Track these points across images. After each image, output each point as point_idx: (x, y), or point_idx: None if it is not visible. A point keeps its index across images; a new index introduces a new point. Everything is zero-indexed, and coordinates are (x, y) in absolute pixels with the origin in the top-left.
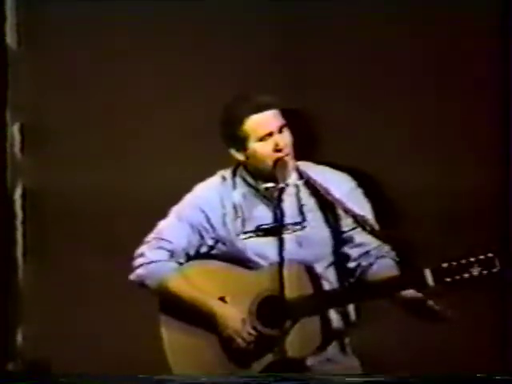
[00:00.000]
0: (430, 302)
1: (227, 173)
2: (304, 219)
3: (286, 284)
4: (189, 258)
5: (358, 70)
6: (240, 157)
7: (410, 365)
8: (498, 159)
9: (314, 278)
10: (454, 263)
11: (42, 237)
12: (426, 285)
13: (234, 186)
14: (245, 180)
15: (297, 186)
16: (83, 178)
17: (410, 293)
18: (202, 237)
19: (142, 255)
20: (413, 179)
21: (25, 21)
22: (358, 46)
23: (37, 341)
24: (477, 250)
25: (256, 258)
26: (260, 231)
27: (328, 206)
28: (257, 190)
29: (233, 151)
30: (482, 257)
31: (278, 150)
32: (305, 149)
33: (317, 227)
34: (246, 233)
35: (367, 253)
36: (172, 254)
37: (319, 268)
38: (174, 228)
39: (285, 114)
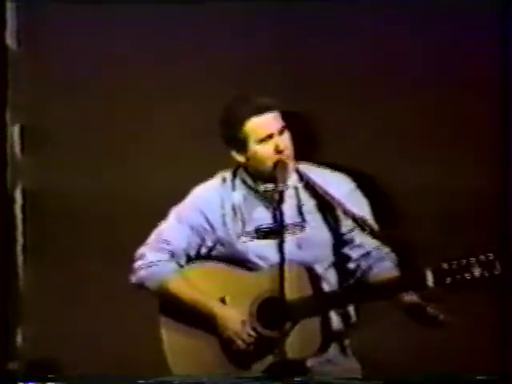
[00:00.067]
0: (430, 309)
1: (227, 174)
2: (304, 220)
3: (286, 285)
4: (189, 259)
5: (357, 70)
6: (240, 158)
7: (410, 366)
8: (498, 159)
9: (314, 279)
10: (455, 264)
11: (42, 237)
12: (426, 285)
13: (234, 188)
14: (245, 182)
15: (297, 188)
16: (83, 178)
17: (409, 298)
18: (202, 238)
19: (142, 256)
20: (413, 179)
21: (25, 22)
22: (358, 46)
23: (37, 341)
24: (477, 251)
25: (256, 260)
26: (260, 233)
27: (328, 207)
28: (257, 191)
29: (233, 153)
30: (482, 257)
31: (278, 152)
32: (305, 150)
33: (317, 228)
34: (246, 234)
35: (367, 254)
36: (172, 255)
37: (319, 269)
38: (174, 229)
39: (285, 115)
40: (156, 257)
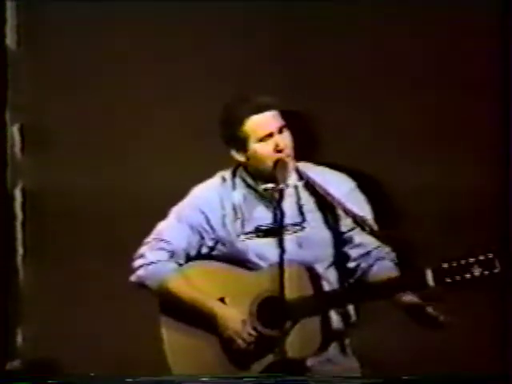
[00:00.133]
0: (429, 309)
1: (227, 174)
2: (304, 220)
3: (286, 285)
4: (189, 258)
5: (357, 69)
6: (240, 157)
7: (410, 366)
8: (498, 159)
9: (315, 278)
10: (455, 264)
11: (42, 237)
12: (426, 285)
13: (234, 187)
14: (245, 181)
15: (297, 187)
16: (83, 178)
17: (409, 298)
18: (202, 238)
19: (142, 256)
20: (413, 179)
21: (25, 21)
22: (358, 45)
23: (37, 341)
24: (477, 250)
25: (256, 259)
26: (260, 232)
27: (328, 206)
28: (257, 190)
29: (233, 152)
30: (482, 257)
31: (278, 151)
32: (304, 149)
33: (317, 228)
34: (246, 234)
35: (367, 253)
36: (172, 254)
37: (319, 269)
38: (173, 229)
39: (284, 114)
40: (156, 256)
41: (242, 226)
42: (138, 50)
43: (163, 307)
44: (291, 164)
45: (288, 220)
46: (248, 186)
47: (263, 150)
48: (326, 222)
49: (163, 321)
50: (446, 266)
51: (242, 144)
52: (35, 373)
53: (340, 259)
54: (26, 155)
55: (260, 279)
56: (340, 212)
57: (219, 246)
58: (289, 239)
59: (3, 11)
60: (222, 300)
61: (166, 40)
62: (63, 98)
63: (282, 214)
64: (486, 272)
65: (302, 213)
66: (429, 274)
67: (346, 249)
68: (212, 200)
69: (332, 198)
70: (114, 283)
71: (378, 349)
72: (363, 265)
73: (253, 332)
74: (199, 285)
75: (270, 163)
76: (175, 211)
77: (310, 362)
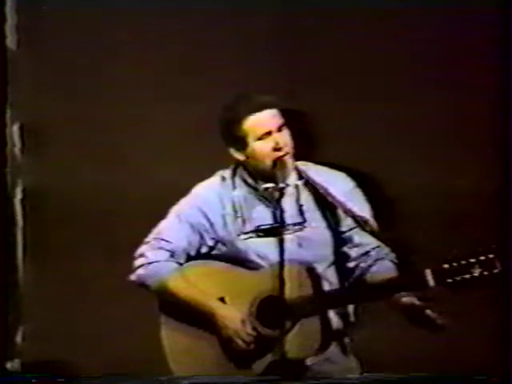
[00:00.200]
0: (428, 312)
1: (227, 173)
2: (304, 219)
3: (286, 284)
4: (189, 258)
5: (357, 69)
6: (239, 156)
7: (409, 366)
8: (498, 159)
9: (315, 278)
10: (455, 264)
11: (42, 237)
12: (426, 285)
13: (234, 186)
14: (244, 180)
15: (296, 186)
16: (83, 177)
17: (407, 300)
18: (202, 237)
19: (142, 255)
20: (413, 179)
21: (24, 21)
22: (357, 45)
23: (37, 340)
24: (477, 250)
25: (256, 259)
26: (260, 232)
27: (328, 206)
28: (256, 190)
29: (232, 151)
30: (482, 257)
31: (277, 149)
32: (304, 149)
33: (317, 227)
34: (246, 233)
35: (367, 253)
36: (172, 254)
37: (319, 268)
38: (174, 228)
39: (284, 113)
40: (156, 256)
41: (242, 225)
42: (137, 50)
43: (163, 307)
44: (290, 163)
45: (288, 219)
46: (248, 185)
47: (262, 149)
48: (326, 221)
49: (163, 320)
50: (446, 266)
51: (241, 143)
52: (35, 372)
53: (340, 259)
54: (25, 155)
55: (260, 279)
56: (340, 212)
57: (219, 246)
58: (289, 239)
59: (3, 11)
60: (221, 300)
61: (166, 40)
62: (63, 97)
63: (282, 214)
64: (486, 272)
65: (301, 212)
66: (429, 275)
67: (346, 248)
68: (212, 199)
69: (332, 197)
70: (114, 283)
71: (377, 348)
72: (363, 265)
73: (252, 332)
74: (199, 284)
75: (269, 162)
76: (175, 211)
77: (309, 362)
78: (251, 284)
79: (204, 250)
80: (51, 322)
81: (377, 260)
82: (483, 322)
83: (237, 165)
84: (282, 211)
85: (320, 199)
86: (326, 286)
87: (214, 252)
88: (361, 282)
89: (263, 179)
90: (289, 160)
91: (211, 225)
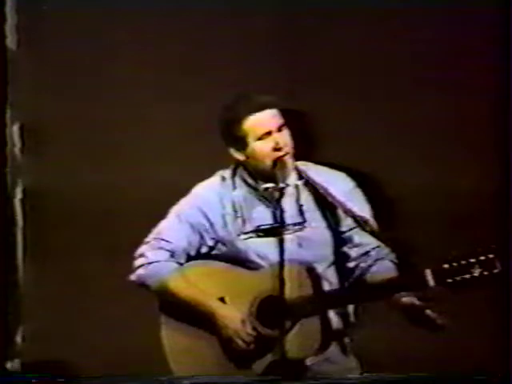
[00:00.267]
0: (428, 312)
1: (227, 173)
2: (304, 219)
3: (286, 284)
4: (189, 258)
5: (358, 69)
6: (239, 156)
7: (409, 365)
8: (498, 159)
9: (315, 278)
10: (455, 264)
11: (42, 237)
12: (426, 286)
13: (234, 186)
14: (244, 180)
15: (296, 186)
16: (83, 177)
17: (407, 300)
18: (202, 237)
19: (142, 255)
20: (413, 179)
21: (24, 21)
22: (357, 45)
23: (37, 341)
24: (477, 250)
25: (256, 259)
26: (260, 232)
27: (328, 206)
28: (256, 190)
29: (232, 151)
30: (482, 257)
31: (277, 149)
32: (304, 149)
33: (317, 227)
34: (246, 233)
35: (367, 253)
36: (172, 254)
37: (319, 268)
38: (174, 228)
39: (284, 113)
40: (156, 256)
41: (242, 225)
42: (137, 50)
43: (163, 307)
44: (290, 163)
45: (288, 219)
46: (248, 185)
47: (262, 149)
48: (326, 221)
49: (163, 320)
50: (446, 266)
51: (241, 143)
52: (35, 372)
53: (340, 259)
54: (25, 155)
55: (260, 279)
56: (340, 212)
57: (219, 246)
58: (289, 239)
59: (3, 11)
60: (221, 300)
61: (166, 40)
62: (63, 97)
63: (282, 214)
64: (486, 272)
65: (301, 212)
66: (428, 275)
67: (346, 248)
68: (212, 199)
69: (332, 197)
70: (114, 283)
71: (377, 348)
72: (363, 265)
73: (252, 332)
74: (199, 284)
75: (268, 162)
76: (175, 211)
77: (309, 362)
78: (251, 284)
79: (204, 249)
80: (51, 322)
81: (377, 260)
82: (483, 322)
83: (237, 165)
84: (282, 211)
85: (320, 199)
86: (326, 286)
87: (214, 252)
88: (361, 282)
89: (263, 179)
90: (289, 160)
91: (211, 225)
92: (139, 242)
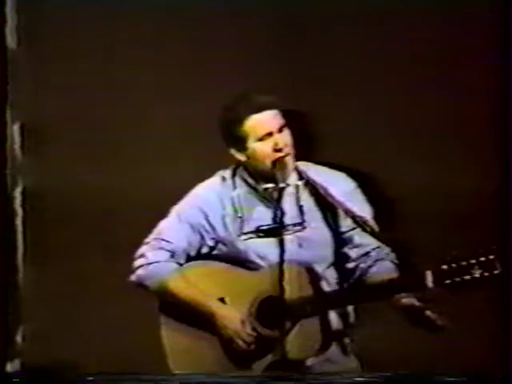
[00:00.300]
0: (428, 312)
1: (227, 173)
2: (304, 220)
3: (286, 285)
4: (189, 258)
5: (358, 69)
6: (240, 157)
7: (410, 365)
8: (498, 159)
9: (314, 279)
10: (455, 265)
11: (42, 237)
12: (425, 286)
13: (234, 187)
14: (245, 180)
15: (297, 187)
16: (83, 177)
17: (407, 301)
18: (202, 237)
19: (142, 256)
20: (413, 179)
21: (24, 21)
22: (357, 45)
23: (37, 341)
24: (477, 251)
25: (256, 259)
26: (260, 232)
27: (328, 206)
28: (257, 190)
29: (233, 151)
30: (482, 258)
31: (277, 150)
32: (304, 149)
33: (317, 228)
34: (246, 233)
35: (366, 254)
36: (172, 254)
37: (319, 269)
38: (174, 228)
39: (284, 114)
40: (156, 256)
41: (242, 225)
42: (138, 50)
43: (163, 307)
44: (291, 163)
45: (288, 220)
46: (248, 185)
47: (263, 149)
48: (326, 222)
49: (163, 321)
50: (445, 267)
51: (241, 143)
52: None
53: (340, 259)
54: (26, 155)
55: (260, 279)
56: (340, 212)
57: (219, 246)
58: (289, 239)
59: (3, 11)
60: (221, 300)
61: (166, 40)
62: (63, 97)
63: (282, 214)
64: (486, 273)
65: (302, 213)
66: (428, 276)
67: (346, 249)
68: (212, 200)
69: (332, 197)
70: (114, 283)
71: (377, 349)
72: (363, 265)
73: (252, 332)
74: (199, 285)
75: (269, 162)
76: (175, 211)
77: (309, 362)
78: (251, 284)
79: (204, 250)
80: (51, 322)
81: (377, 260)
82: (483, 322)
83: (237, 165)
84: (282, 212)
85: (320, 199)
86: (326, 287)
87: (214, 252)
88: (361, 283)
89: (263, 180)
90: (289, 160)
91: (211, 225)
92: (139, 242)
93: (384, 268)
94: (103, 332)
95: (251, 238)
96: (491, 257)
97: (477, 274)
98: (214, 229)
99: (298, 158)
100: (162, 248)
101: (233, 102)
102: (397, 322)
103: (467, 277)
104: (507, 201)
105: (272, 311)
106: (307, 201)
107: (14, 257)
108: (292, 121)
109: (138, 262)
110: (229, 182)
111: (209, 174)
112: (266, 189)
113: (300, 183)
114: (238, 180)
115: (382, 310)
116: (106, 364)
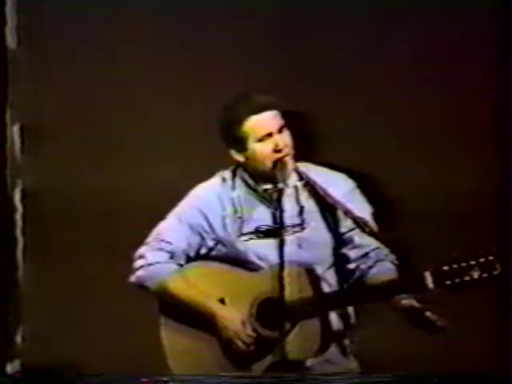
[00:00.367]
0: (428, 313)
1: (227, 174)
2: (304, 221)
3: (286, 286)
4: (189, 259)
5: (358, 69)
6: (240, 158)
7: (409, 366)
8: (498, 159)
9: (314, 279)
10: (455, 266)
11: (42, 237)
12: (425, 287)
13: (234, 187)
14: (245, 181)
15: (296, 187)
16: (83, 178)
17: (407, 302)
18: (202, 238)
19: (141, 257)
20: (413, 179)
21: (24, 21)
22: (357, 45)
23: (37, 341)
24: (477, 251)
25: (256, 260)
26: (260, 233)
27: (327, 207)
28: (257, 191)
29: (232, 152)
30: (482, 259)
31: (277, 151)
32: (304, 150)
33: (317, 229)
34: (245, 234)
35: (366, 254)
36: (172, 255)
37: (319, 270)
38: (173, 229)
39: (284, 114)
40: (156, 257)
41: (242, 226)
42: (137, 50)
43: (163, 308)
44: (291, 164)
45: (288, 221)
46: (248, 186)
47: (263, 150)
48: (326, 222)
49: (163, 321)
50: (445, 268)
51: (241, 144)
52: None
53: (339, 260)
54: (25, 155)
55: (260, 280)
56: (340, 213)
57: (219, 247)
58: (289, 240)
59: (3, 11)
60: (221, 301)
61: (166, 40)
62: (63, 97)
63: (282, 215)
64: (486, 274)
65: (301, 213)
66: (428, 277)
67: (346, 250)
68: (212, 200)
69: (332, 198)
70: (114, 283)
71: (377, 349)
72: (363, 266)
73: (252, 333)
74: (199, 285)
75: (269, 163)
76: (175, 211)
77: (309, 363)
78: (251, 285)
79: (204, 251)
80: (51, 322)
81: (377, 261)
82: (483, 322)
83: (237, 166)
84: (281, 212)
85: (320, 200)
86: (326, 288)
87: (213, 253)
88: (360, 284)
89: (263, 180)
90: (289, 161)
91: (211, 226)
92: (139, 242)
93: (384, 269)
94: (103, 332)
95: (251, 238)
96: (491, 258)
97: (476, 275)
98: (213, 229)
99: (297, 158)
100: (161, 249)
101: (232, 103)
102: (397, 323)
103: (467, 278)
104: (507, 201)
105: (272, 312)
106: (307, 201)
107: (14, 257)
108: (292, 121)
109: (137, 263)
110: (229, 182)
111: (209, 175)
112: (266, 189)
113: (300, 184)
114: (237, 181)
115: (381, 311)
116: (105, 364)
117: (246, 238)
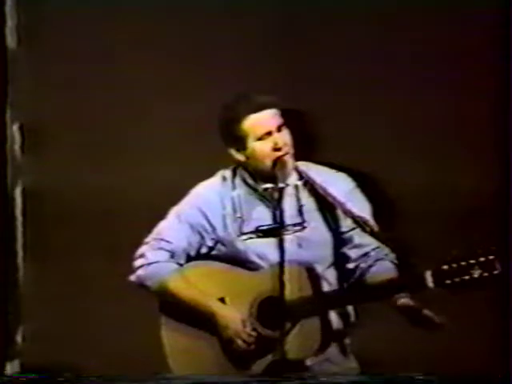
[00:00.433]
0: (426, 311)
1: (227, 173)
2: (304, 220)
3: (286, 285)
4: (189, 258)
5: (358, 69)
6: (239, 157)
7: (409, 366)
8: (498, 159)
9: (314, 279)
10: (455, 265)
11: (42, 237)
12: (426, 287)
13: (234, 187)
14: (244, 180)
15: (296, 187)
16: (83, 177)
17: (406, 301)
18: (202, 237)
19: (142, 256)
20: (413, 179)
21: (24, 21)
22: (357, 45)
23: (37, 341)
24: (477, 251)
25: (256, 259)
26: (260, 232)
27: (327, 206)
28: (257, 190)
29: (232, 151)
30: (482, 259)
31: (277, 149)
32: (304, 149)
33: (317, 228)
34: (246, 233)
35: (366, 254)
36: (172, 254)
37: (319, 269)
38: (174, 229)
39: (284, 113)
40: (156, 256)
41: (242, 225)
42: (138, 50)
43: (163, 307)
44: (290, 163)
45: (288, 220)
46: (248, 185)
47: (262, 149)
48: (326, 222)
49: (163, 321)
50: (445, 267)
51: (241, 143)
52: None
53: (340, 260)
54: (25, 155)
55: (260, 279)
56: (340, 212)
57: (219, 246)
58: (289, 239)
59: (3, 11)
60: (221, 300)
61: (166, 40)
62: (63, 97)
63: (282, 214)
64: (486, 274)
65: (301, 213)
66: (428, 276)
67: (346, 249)
68: (212, 200)
69: (332, 197)
70: (114, 283)
71: (377, 349)
72: (363, 265)
73: (252, 332)
74: (199, 285)
75: (268, 162)
76: (175, 211)
77: (309, 362)
78: (251, 284)
79: (204, 250)
80: (51, 322)
81: (377, 261)
82: (483, 322)
83: (237, 165)
84: (281, 212)
85: (320, 200)
86: (326, 287)
87: (213, 252)
88: (360, 283)
89: (263, 179)
90: (289, 160)
91: (211, 225)
92: (139, 242)
93: (384, 268)
94: (103, 332)
95: (251, 238)
96: (491, 257)
97: (476, 274)
98: (213, 229)
99: (297, 157)
100: (161, 248)
101: (232, 102)
102: (397, 322)
103: (467, 277)
104: (507, 201)
105: (272, 311)
106: (307, 201)
107: (14, 257)
108: (291, 120)
109: (137, 262)
110: (229, 181)
111: (209, 174)
112: (266, 189)
113: (299, 183)
114: (237, 180)
115: (381, 310)
116: (105, 364)
117: (246, 237)
